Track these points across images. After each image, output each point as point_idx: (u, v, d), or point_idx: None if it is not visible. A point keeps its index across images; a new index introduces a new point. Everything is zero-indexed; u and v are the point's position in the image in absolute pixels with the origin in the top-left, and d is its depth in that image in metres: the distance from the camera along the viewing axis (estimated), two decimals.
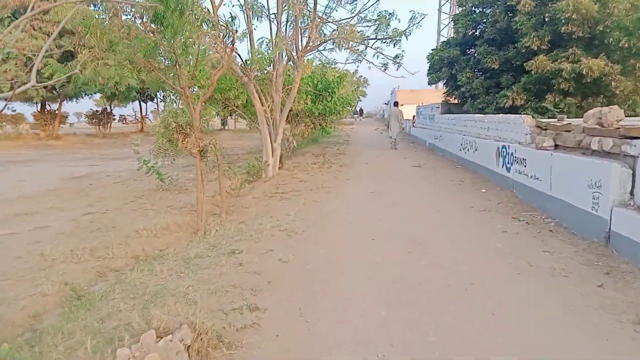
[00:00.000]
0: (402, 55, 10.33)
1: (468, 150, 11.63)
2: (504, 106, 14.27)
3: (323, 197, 8.23)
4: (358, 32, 9.89)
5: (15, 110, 28.14)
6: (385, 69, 10.38)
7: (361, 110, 68.24)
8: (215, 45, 8.37)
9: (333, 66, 14.07)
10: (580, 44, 12.97)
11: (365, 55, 10.97)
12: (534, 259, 4.62)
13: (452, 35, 19.47)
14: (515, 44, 14.76)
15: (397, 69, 10.41)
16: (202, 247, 5.41)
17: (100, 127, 31.03)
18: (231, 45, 8.42)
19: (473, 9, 17.16)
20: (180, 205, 7.98)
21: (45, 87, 24.98)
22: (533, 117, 13.40)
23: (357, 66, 12.38)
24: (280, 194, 8.62)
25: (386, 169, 11.94)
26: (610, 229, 4.80)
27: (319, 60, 12.09)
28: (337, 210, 7.17)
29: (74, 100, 28.64)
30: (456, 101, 18.69)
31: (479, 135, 11.34)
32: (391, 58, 10.46)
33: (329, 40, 10.15)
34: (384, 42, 10.12)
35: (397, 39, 9.67)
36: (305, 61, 13.12)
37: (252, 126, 13.79)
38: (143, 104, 34.23)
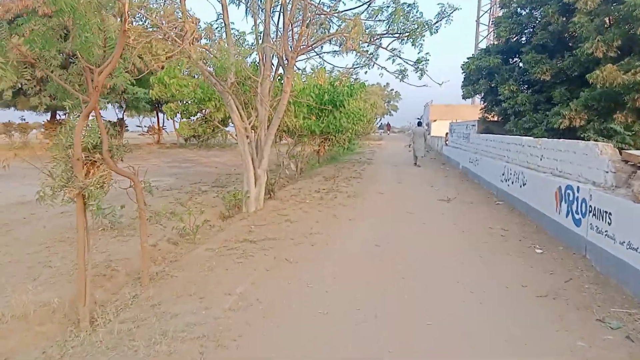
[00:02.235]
0: (427, 60, 7.80)
1: (513, 182, 8.95)
2: (558, 127, 11.51)
3: (303, 254, 5.77)
4: (366, 29, 7.43)
5: (24, 119, 27.11)
6: (402, 78, 7.88)
7: (388, 124, 65.41)
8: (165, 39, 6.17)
9: (349, 75, 11.73)
10: None
11: (376, 59, 8.48)
12: None
13: (492, 42, 16.74)
14: (572, 51, 11.99)
15: (419, 77, 7.90)
16: None
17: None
18: (191, 40, 6.17)
19: (518, 10, 14.46)
20: (107, 257, 5.68)
21: (51, 95, 23.78)
22: (599, 141, 10.60)
23: (366, 72, 9.72)
24: (248, 243, 6.23)
25: (404, 203, 9.39)
26: None
27: (322, 65, 9.63)
28: (314, 284, 4.69)
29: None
30: (496, 119, 15.94)
31: (528, 164, 8.65)
32: (411, 63, 7.95)
33: (327, 38, 7.73)
34: (401, 41, 7.61)
35: (418, 33, 7.13)
36: (311, 68, 10.82)
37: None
38: (161, 114, 32.75)
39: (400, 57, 8.09)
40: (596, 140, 10.69)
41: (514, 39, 14.33)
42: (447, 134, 24.41)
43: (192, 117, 9.62)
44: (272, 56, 8.20)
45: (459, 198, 10.01)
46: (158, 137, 34.47)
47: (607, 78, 10.15)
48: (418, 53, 8.16)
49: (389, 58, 8.23)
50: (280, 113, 8.06)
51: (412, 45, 7.35)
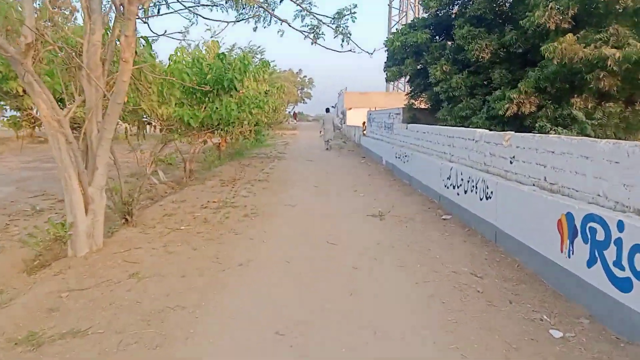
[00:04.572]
0: (352, 14, 5.04)
1: (467, 191, 6.56)
2: (503, 114, 9.39)
3: None
4: None
5: None
6: (315, 37, 5.06)
7: (294, 113, 62.70)
8: None
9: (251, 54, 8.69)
10: (626, 21, 8.31)
11: (273, 9, 5.53)
12: None
13: (418, 16, 14.47)
14: (515, 24, 9.95)
15: (342, 43, 5.15)
16: None
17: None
18: None
19: None
20: None
21: None
22: (557, 131, 8.62)
23: (255, 29, 6.98)
24: (26, 346, 3.10)
25: (323, 225, 6.64)
26: None
27: (194, 23, 6.41)
28: None
29: None
30: (425, 106, 13.77)
31: (487, 167, 6.29)
32: (329, 19, 5.14)
33: None
34: None
35: None
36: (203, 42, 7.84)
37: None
38: None
39: (311, 13, 5.24)
40: (550, 131, 8.72)
41: (445, 11, 12.10)
42: (364, 123, 22.24)
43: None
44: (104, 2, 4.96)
45: (394, 211, 7.48)
46: (32, 130, 28.63)
47: (566, 52, 8.11)
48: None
49: (296, 15, 5.37)
50: (120, 96, 4.84)
51: None
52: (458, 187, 6.95)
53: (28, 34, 4.27)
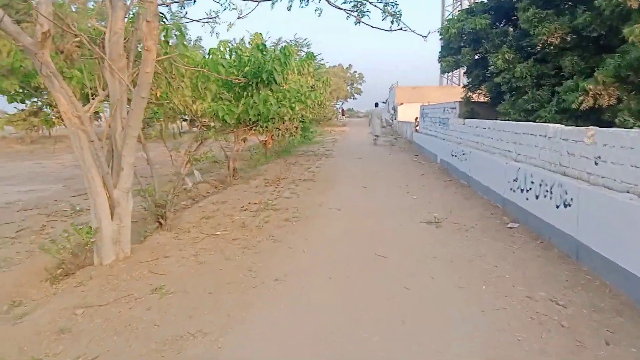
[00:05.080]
0: None
1: (538, 196, 5.67)
2: (577, 108, 8.28)
3: None
4: None
5: None
6: (360, 15, 4.38)
7: (343, 110, 61.65)
8: None
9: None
10: None
11: None
12: None
13: (476, 0, 13.37)
14: (590, 4, 8.77)
15: (392, 24, 4.45)
16: None
17: (30, 130, 24.77)
18: None
19: None
20: None
21: None
22: None
23: (289, 7, 6.35)
24: None
25: (372, 231, 5.97)
26: None
27: (228, 7, 5.83)
28: None
29: None
30: (484, 99, 12.69)
31: (564, 169, 5.37)
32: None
33: None
34: None
35: None
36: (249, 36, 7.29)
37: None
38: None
39: None
40: (635, 126, 7.55)
41: None
42: (417, 118, 21.22)
43: (24, 101, 5.94)
44: None
45: (452, 217, 6.68)
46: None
47: None
48: None
49: None
50: (143, 89, 4.42)
51: None
52: (527, 191, 6.06)
53: (44, 22, 3.90)
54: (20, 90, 5.38)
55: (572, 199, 4.76)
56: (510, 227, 6.06)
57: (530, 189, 5.95)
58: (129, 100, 4.68)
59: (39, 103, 5.97)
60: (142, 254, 5.01)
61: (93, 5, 6.10)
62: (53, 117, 5.73)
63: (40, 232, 6.23)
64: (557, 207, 5.09)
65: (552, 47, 9.58)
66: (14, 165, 15.07)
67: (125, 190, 4.79)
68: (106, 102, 4.89)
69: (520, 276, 4.29)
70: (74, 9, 5.62)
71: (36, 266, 4.75)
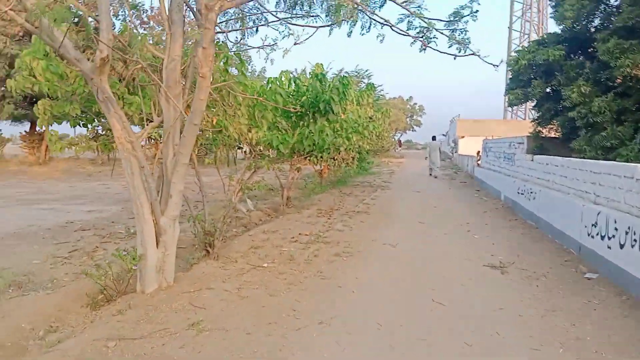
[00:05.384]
0: (474, 13, 4.00)
1: (623, 245, 4.98)
2: None
3: None
4: None
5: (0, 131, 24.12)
6: (426, 40, 4.08)
7: (399, 141, 60.81)
8: None
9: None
10: None
11: (374, 10, 4.63)
12: None
13: (547, 32, 12.68)
14: None
15: (459, 51, 4.12)
16: None
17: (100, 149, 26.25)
18: None
19: None
20: None
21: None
22: None
23: (350, 34, 6.21)
24: None
25: (429, 274, 5.48)
26: None
27: (288, 33, 5.71)
28: None
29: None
30: (554, 134, 11.85)
31: None
32: (441, 22, 4.14)
33: None
34: None
35: None
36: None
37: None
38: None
39: (421, 17, 4.29)
40: None
41: (584, 23, 10.28)
42: (479, 152, 20.34)
43: (86, 125, 6.08)
44: (186, 13, 4.54)
45: (519, 262, 6.04)
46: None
47: None
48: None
49: (401, 19, 4.47)
50: (196, 117, 4.32)
51: None
52: (609, 239, 5.35)
53: (104, 49, 3.90)
54: (82, 115, 5.45)
55: None
56: (589, 279, 5.35)
57: (614, 235, 5.25)
58: (183, 126, 4.60)
59: (99, 128, 6.04)
60: (185, 283, 4.83)
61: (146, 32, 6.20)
62: (109, 142, 5.78)
63: (92, 254, 6.26)
64: None
65: (635, 80, 8.77)
66: (82, 185, 15.85)
67: (173, 218, 4.67)
68: (160, 128, 4.84)
69: (605, 340, 3.66)
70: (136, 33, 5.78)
71: (80, 289, 4.68)
